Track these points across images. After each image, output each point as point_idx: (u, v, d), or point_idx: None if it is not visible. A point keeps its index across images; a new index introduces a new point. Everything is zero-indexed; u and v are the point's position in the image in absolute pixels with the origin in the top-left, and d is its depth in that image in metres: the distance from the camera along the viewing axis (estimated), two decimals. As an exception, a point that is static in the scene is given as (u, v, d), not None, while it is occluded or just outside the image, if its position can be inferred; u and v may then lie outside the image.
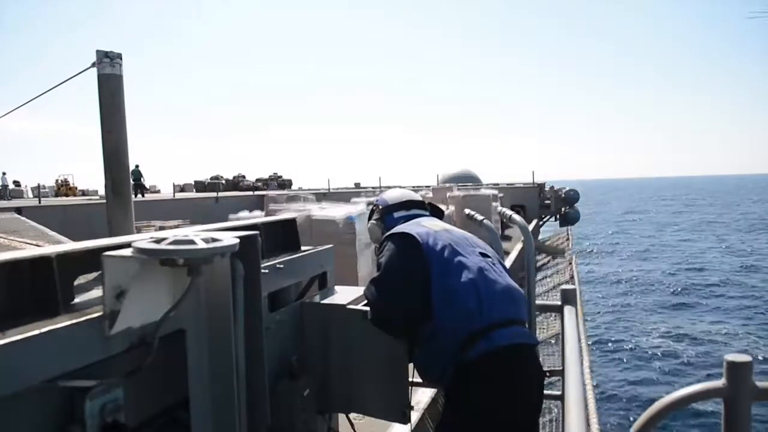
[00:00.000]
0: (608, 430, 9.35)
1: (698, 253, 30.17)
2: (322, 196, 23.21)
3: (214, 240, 1.19)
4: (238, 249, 1.24)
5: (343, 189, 27.24)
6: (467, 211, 4.25)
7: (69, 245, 1.35)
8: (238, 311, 1.44)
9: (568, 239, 21.26)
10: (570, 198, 23.63)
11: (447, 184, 16.02)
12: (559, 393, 2.64)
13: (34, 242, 4.29)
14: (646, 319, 16.71)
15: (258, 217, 5.91)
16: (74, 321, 1.05)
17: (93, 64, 4.63)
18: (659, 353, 13.28)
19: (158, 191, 31.76)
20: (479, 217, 3.32)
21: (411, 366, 2.02)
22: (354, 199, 11.24)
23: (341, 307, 2.07)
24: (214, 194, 22.55)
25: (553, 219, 23.95)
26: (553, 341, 7.77)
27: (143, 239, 1.17)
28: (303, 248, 2.24)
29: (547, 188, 23.81)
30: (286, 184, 38.21)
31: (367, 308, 1.98)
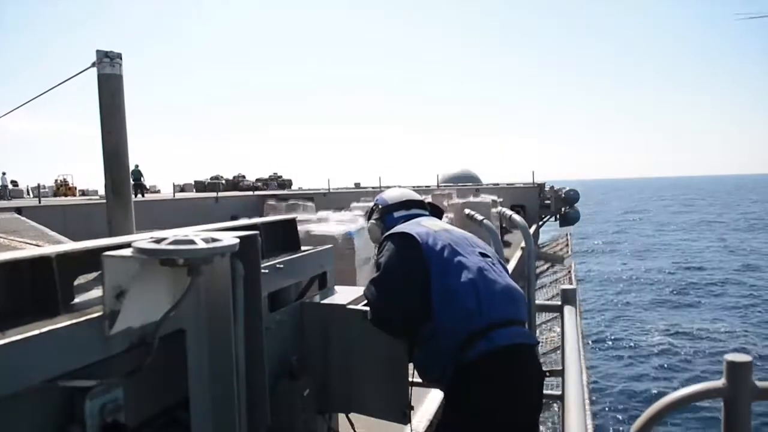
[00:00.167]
0: (608, 430, 9.36)
1: (698, 253, 30.18)
2: (322, 197, 23.24)
3: (214, 240, 1.19)
4: (238, 249, 1.24)
5: (343, 189, 27.24)
6: (467, 210, 4.25)
7: (69, 245, 1.35)
8: (238, 311, 1.44)
9: (567, 245, 21.00)
10: (570, 198, 23.65)
11: (446, 191, 15.97)
12: (559, 393, 2.64)
13: (34, 242, 4.28)
14: (646, 318, 16.71)
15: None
16: (74, 321, 1.05)
17: (93, 64, 4.63)
18: (659, 352, 13.29)
19: (158, 191, 31.76)
20: (479, 217, 3.32)
21: (411, 366, 2.02)
22: (354, 204, 11.10)
23: (341, 307, 2.07)
24: (214, 194, 22.58)
25: (553, 219, 23.97)
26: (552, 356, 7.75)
27: (143, 239, 1.17)
28: (303, 248, 2.24)
29: (547, 188, 23.83)
30: (286, 184, 38.20)
31: (367, 308, 1.98)
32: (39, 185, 22.14)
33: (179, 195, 25.97)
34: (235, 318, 1.42)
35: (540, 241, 22.27)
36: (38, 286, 1.15)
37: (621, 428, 9.29)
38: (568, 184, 28.20)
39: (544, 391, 2.02)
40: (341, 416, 2.24)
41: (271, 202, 18.04)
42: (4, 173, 25.50)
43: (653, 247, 33.59)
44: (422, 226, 2.05)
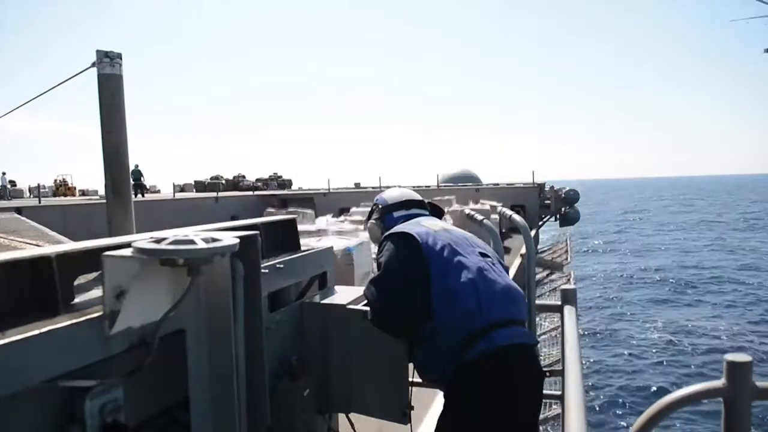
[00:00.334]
0: (608, 430, 9.36)
1: (697, 252, 30.20)
2: (322, 197, 23.22)
3: (214, 240, 1.19)
4: (238, 249, 1.24)
5: (343, 189, 27.23)
6: (467, 210, 4.24)
7: (69, 245, 1.35)
8: (238, 311, 1.44)
9: (566, 251, 20.62)
10: (570, 198, 23.61)
11: (446, 197, 15.92)
12: (559, 393, 2.64)
13: (34, 242, 4.28)
14: (646, 317, 16.72)
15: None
16: (74, 321, 1.05)
17: (93, 64, 4.63)
18: (659, 351, 13.30)
19: (158, 191, 31.75)
20: (479, 217, 3.31)
21: (411, 366, 2.02)
22: (354, 209, 10.99)
23: (341, 307, 2.07)
24: (214, 194, 22.57)
25: (553, 219, 23.94)
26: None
27: (143, 239, 1.17)
28: (303, 248, 2.24)
29: (547, 188, 23.80)
30: (286, 184, 38.21)
31: (367, 308, 1.98)
32: (39, 185, 22.14)
33: (179, 195, 25.96)
34: (235, 318, 1.42)
35: (540, 242, 22.14)
36: (38, 286, 1.16)
37: (621, 428, 9.29)
38: (568, 184, 28.19)
39: (544, 391, 2.01)
40: (341, 416, 2.24)
41: (271, 209, 18.11)
42: (4, 173, 25.50)
43: (653, 246, 33.62)
44: (422, 226, 2.05)
